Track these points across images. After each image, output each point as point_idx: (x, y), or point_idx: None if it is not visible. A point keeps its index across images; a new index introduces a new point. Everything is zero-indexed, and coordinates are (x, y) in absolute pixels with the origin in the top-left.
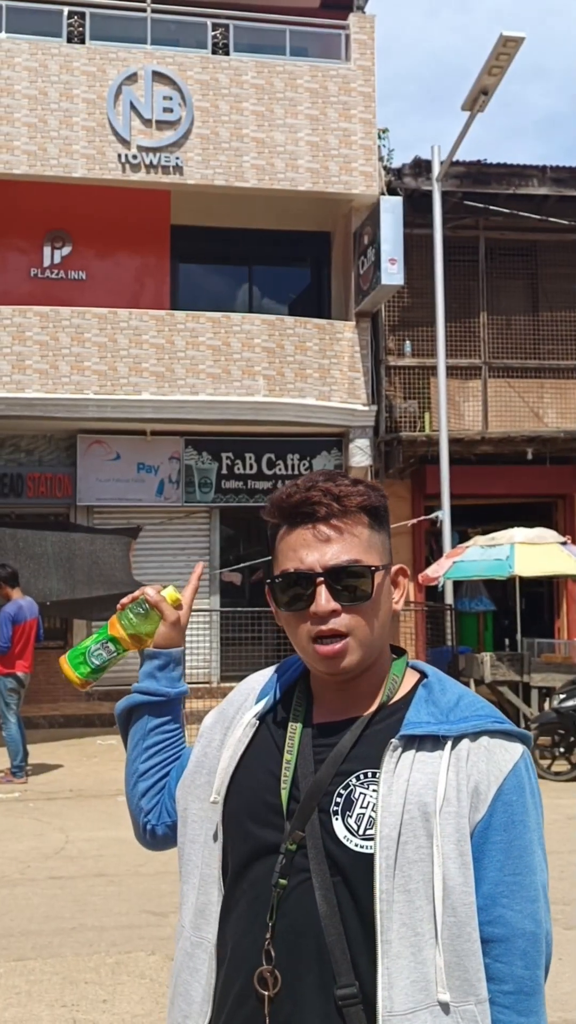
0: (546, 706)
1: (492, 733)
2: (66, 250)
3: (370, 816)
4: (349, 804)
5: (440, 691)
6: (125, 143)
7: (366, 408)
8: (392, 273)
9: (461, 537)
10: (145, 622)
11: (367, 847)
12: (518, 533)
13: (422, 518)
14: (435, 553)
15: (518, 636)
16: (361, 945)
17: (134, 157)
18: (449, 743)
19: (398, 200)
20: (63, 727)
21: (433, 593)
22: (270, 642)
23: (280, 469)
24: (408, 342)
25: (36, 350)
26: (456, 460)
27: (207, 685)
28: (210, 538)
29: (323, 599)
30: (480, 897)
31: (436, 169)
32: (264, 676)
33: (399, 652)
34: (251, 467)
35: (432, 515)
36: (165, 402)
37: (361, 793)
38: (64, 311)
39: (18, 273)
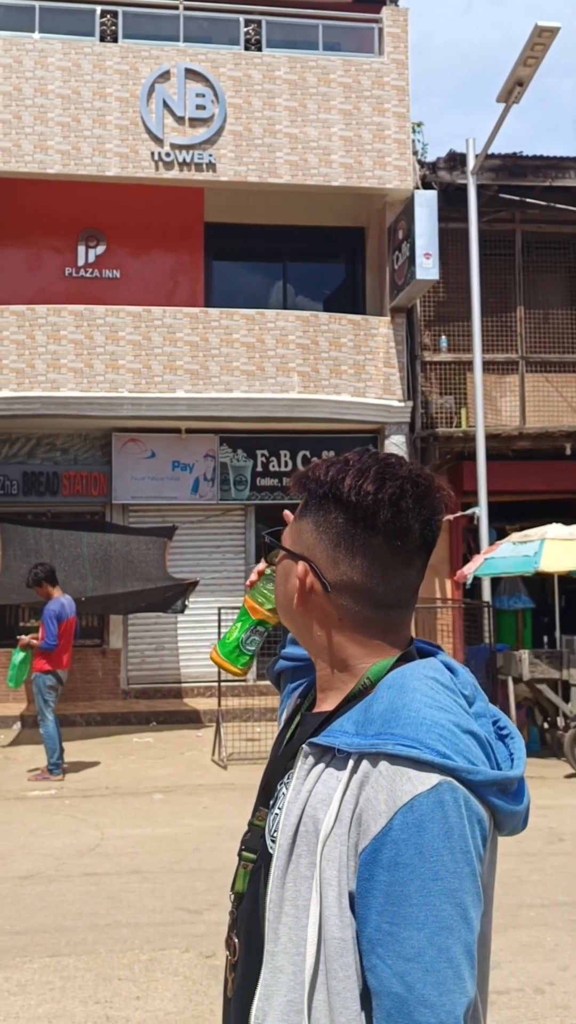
0: None
1: (393, 758)
2: (100, 249)
3: (278, 818)
4: (277, 800)
5: (380, 697)
6: (158, 141)
7: (402, 404)
8: (427, 268)
9: (499, 534)
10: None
11: (272, 849)
12: (551, 530)
13: (459, 515)
14: (473, 551)
15: (557, 633)
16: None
17: (167, 155)
18: (352, 761)
19: (433, 194)
20: (99, 725)
21: (471, 590)
22: None
23: None
24: (444, 337)
25: (71, 349)
26: (493, 456)
27: (243, 683)
28: (245, 536)
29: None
30: (363, 939)
31: (471, 162)
32: None
33: (426, 654)
34: (286, 464)
35: (469, 512)
36: (199, 400)
37: (283, 793)
38: (99, 310)
39: (53, 272)
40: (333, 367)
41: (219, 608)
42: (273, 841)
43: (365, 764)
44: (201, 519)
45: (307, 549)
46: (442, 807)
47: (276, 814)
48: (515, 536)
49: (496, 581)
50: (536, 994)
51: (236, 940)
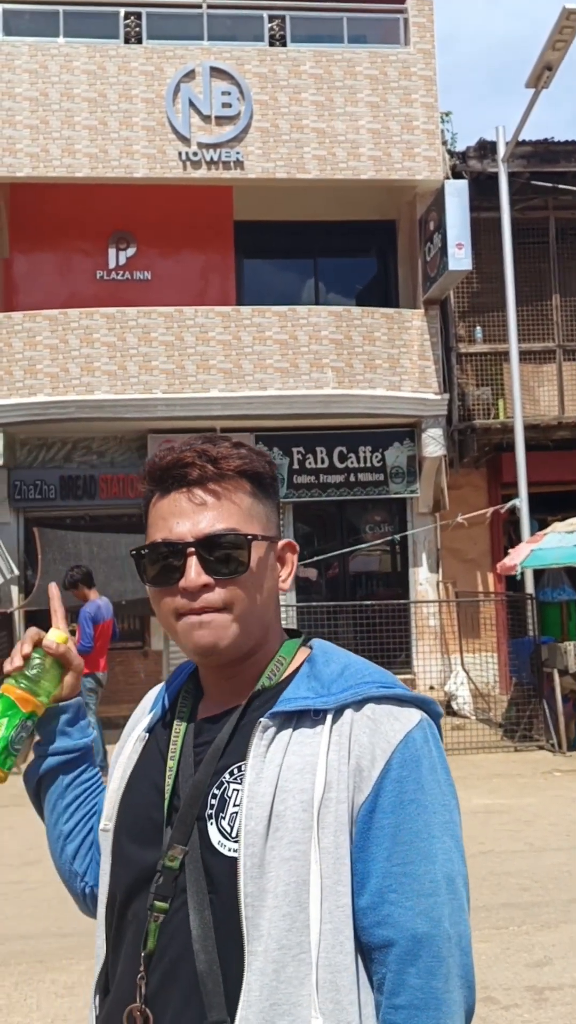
0: None
1: (379, 700)
2: (130, 251)
3: (236, 816)
4: (223, 804)
5: (324, 663)
6: (185, 141)
7: (438, 397)
8: (459, 258)
9: (540, 525)
10: (49, 678)
11: (232, 850)
12: None
13: (499, 507)
14: (513, 543)
15: None
16: (235, 965)
17: (195, 154)
18: (329, 717)
19: (463, 183)
20: None
21: (513, 583)
22: (348, 637)
23: (352, 462)
24: (479, 328)
25: (104, 352)
26: (532, 447)
27: None
28: (284, 534)
29: (193, 572)
30: (368, 895)
31: (502, 150)
32: (161, 686)
33: (295, 635)
34: (323, 461)
35: (509, 504)
36: (233, 399)
37: (235, 789)
38: (130, 311)
39: (84, 276)
40: (367, 362)
41: None
42: (234, 840)
43: (346, 715)
44: None
45: (275, 531)
46: (427, 741)
47: (234, 812)
48: (560, 526)
49: (539, 573)
50: None
51: (148, 1011)
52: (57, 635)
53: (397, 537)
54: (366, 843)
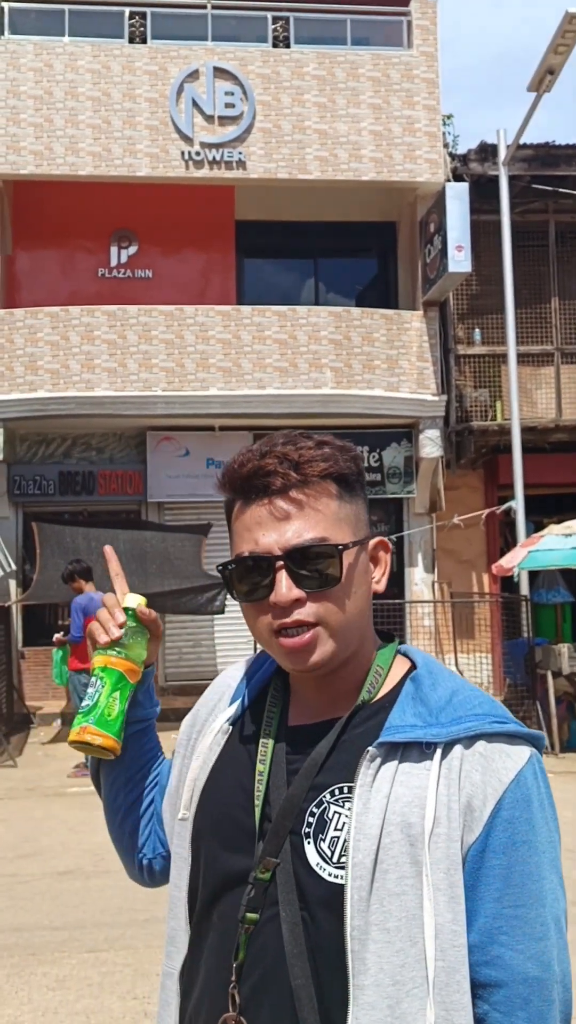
0: None
1: (490, 736)
2: (132, 249)
3: (344, 839)
4: (323, 825)
5: (430, 685)
6: (188, 140)
7: (436, 398)
8: (459, 260)
9: (536, 527)
10: (142, 645)
11: (341, 876)
12: None
13: (495, 508)
14: (510, 544)
15: None
16: (335, 991)
17: (197, 154)
18: (439, 751)
19: (464, 186)
20: None
21: (508, 584)
22: None
23: None
24: (477, 330)
25: (104, 349)
26: (529, 449)
27: None
28: None
29: (284, 586)
30: (475, 933)
31: (502, 153)
32: (239, 672)
33: (388, 638)
34: None
35: (506, 505)
36: (232, 397)
37: (336, 812)
38: (131, 309)
39: (86, 274)
40: (366, 362)
41: None
42: (335, 866)
43: (456, 750)
44: None
45: (365, 531)
46: (536, 778)
47: (335, 836)
48: (556, 528)
49: (534, 575)
50: None
51: (243, 1020)
52: (139, 600)
53: (393, 537)
54: (476, 882)
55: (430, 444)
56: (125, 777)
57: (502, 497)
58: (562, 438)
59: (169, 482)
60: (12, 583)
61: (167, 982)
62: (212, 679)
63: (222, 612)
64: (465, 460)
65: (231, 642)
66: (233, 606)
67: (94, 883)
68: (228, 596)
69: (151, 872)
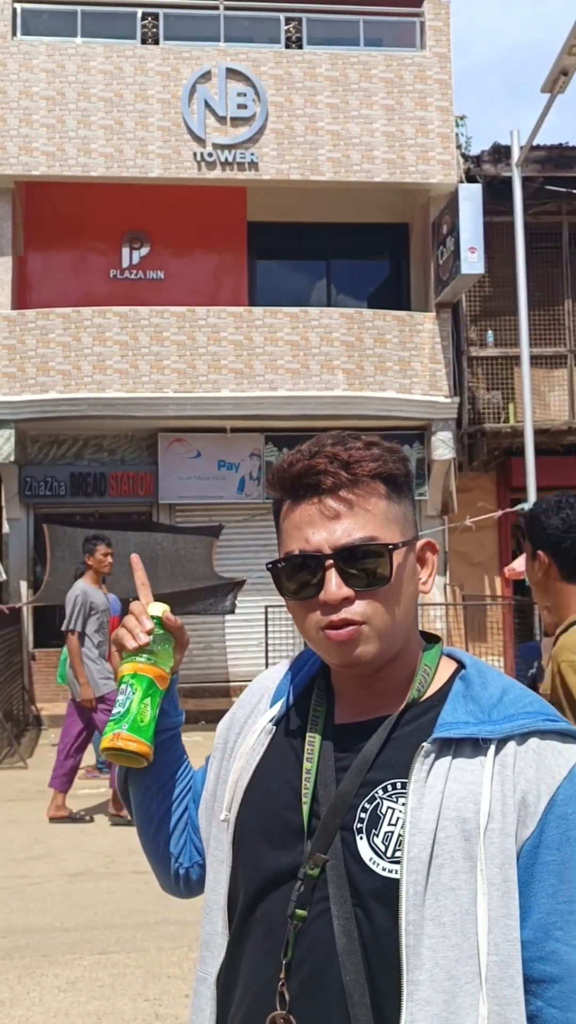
0: None
1: (543, 734)
2: (144, 250)
3: (399, 835)
4: (376, 821)
5: (480, 684)
6: (200, 141)
7: (448, 400)
8: (472, 262)
9: None
10: (169, 652)
11: (396, 871)
12: None
13: (508, 510)
14: (522, 547)
15: None
16: (388, 987)
17: (209, 155)
18: (492, 747)
19: (477, 187)
20: None
21: (520, 587)
22: None
23: None
24: (490, 332)
25: (116, 350)
26: (542, 451)
27: None
28: None
29: (333, 585)
30: (529, 929)
31: (516, 154)
32: (279, 673)
33: (432, 639)
34: None
35: (518, 507)
36: (244, 399)
37: (389, 807)
38: (143, 311)
39: (98, 275)
40: (378, 364)
41: (266, 607)
42: (389, 861)
43: (509, 747)
44: (247, 518)
45: (412, 532)
46: None
47: (389, 831)
48: None
49: None
50: None
51: (292, 1018)
52: (163, 608)
53: None
54: (530, 878)
55: (442, 446)
56: (157, 786)
57: (514, 500)
58: (575, 440)
59: (180, 484)
60: (23, 585)
61: (201, 988)
62: (223, 682)
63: (232, 612)
64: (477, 462)
65: (242, 644)
66: (243, 608)
67: (104, 885)
68: (237, 597)
69: (187, 882)
